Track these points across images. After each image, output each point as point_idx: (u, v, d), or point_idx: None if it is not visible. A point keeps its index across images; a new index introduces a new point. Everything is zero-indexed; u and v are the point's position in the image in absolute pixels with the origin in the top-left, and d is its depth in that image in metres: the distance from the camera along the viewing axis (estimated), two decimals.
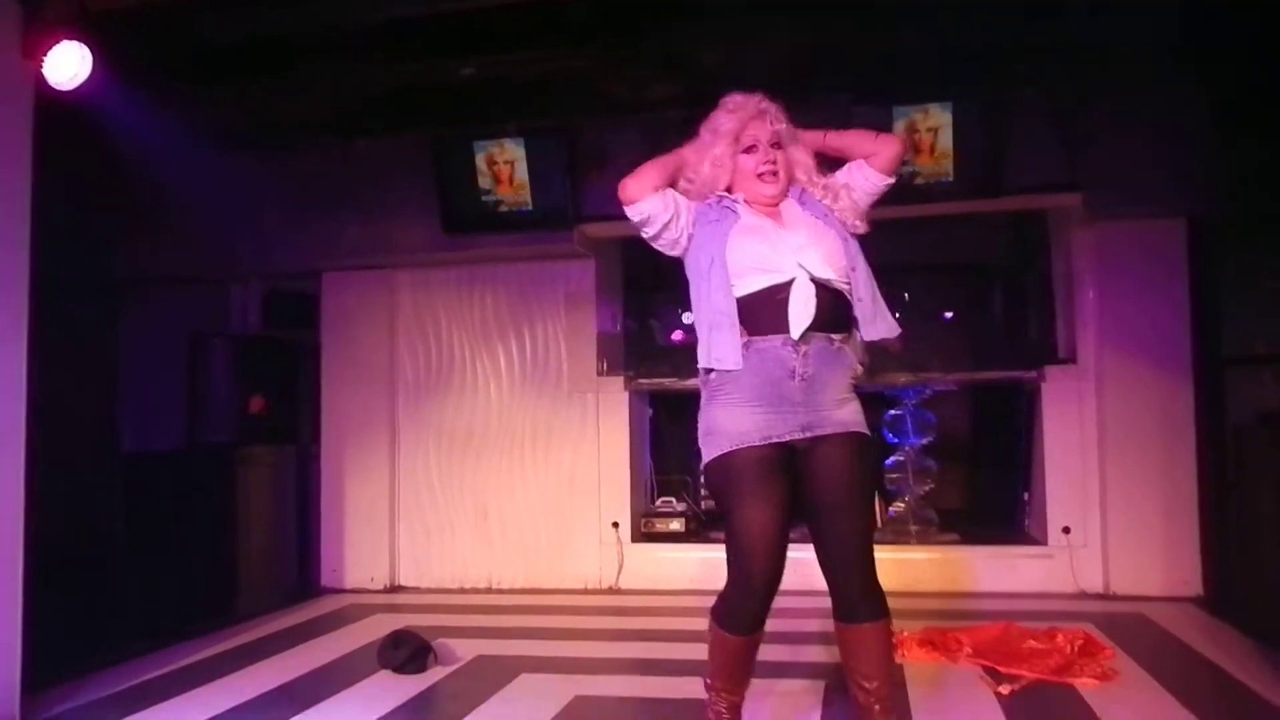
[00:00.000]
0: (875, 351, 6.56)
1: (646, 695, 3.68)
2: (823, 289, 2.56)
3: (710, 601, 4.65)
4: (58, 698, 3.71)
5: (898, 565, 5.58)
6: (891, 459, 6.16)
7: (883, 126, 2.94)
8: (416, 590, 6.00)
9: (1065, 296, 5.89)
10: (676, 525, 6.01)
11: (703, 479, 2.76)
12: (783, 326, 2.53)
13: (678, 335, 7.66)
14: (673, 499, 6.27)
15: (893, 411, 6.21)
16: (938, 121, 5.37)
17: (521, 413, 6.09)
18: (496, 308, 6.19)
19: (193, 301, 6.67)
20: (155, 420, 6.45)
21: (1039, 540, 5.69)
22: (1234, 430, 4.82)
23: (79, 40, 3.75)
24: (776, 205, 2.74)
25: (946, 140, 5.36)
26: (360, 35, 4.81)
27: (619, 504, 5.94)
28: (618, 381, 6.08)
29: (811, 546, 2.71)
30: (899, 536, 5.91)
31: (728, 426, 2.58)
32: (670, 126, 5.55)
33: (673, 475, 6.64)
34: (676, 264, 7.61)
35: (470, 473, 6.10)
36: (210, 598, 5.35)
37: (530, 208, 5.75)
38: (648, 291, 7.44)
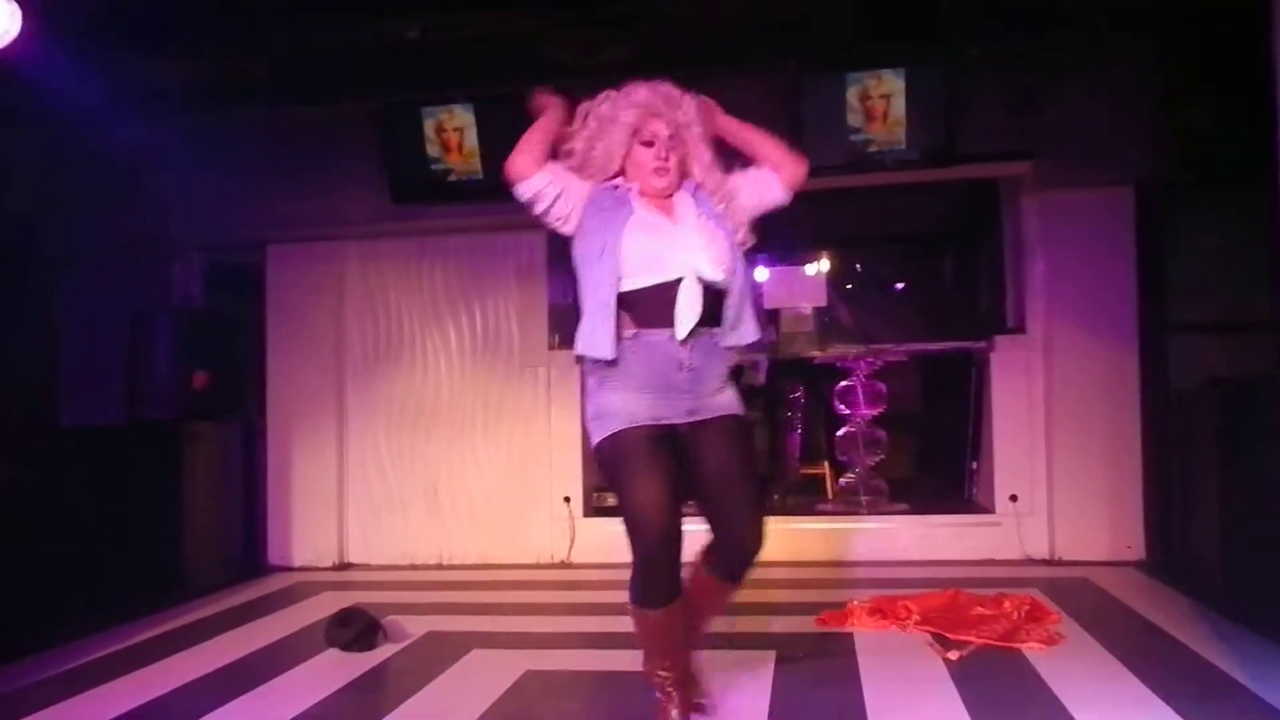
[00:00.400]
0: (827, 324, 6.50)
1: (598, 668, 3.66)
2: (707, 289, 2.68)
3: None
4: (2, 678, 3.62)
5: (848, 535, 5.65)
6: (842, 430, 6.19)
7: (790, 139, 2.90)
8: (366, 567, 5.94)
9: (1015, 266, 5.94)
10: None
11: (597, 460, 2.83)
12: (669, 322, 2.65)
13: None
14: None
15: (844, 383, 6.23)
16: (890, 88, 5.35)
17: (472, 387, 6.02)
18: (446, 280, 6.10)
19: (134, 274, 6.48)
20: (96, 396, 6.27)
21: (987, 509, 5.76)
22: (1176, 396, 4.89)
23: None
24: (669, 198, 2.80)
25: (899, 107, 5.35)
26: None
27: (571, 478, 5.90)
28: (570, 356, 6.01)
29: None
30: (850, 507, 5.97)
31: (619, 408, 2.68)
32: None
33: None
34: None
35: (421, 448, 6.03)
36: (155, 576, 5.23)
37: (481, 176, 5.64)
38: None
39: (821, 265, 7.03)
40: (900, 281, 8.50)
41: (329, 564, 5.92)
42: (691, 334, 2.66)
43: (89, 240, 6.30)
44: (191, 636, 4.29)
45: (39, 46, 3.86)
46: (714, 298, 2.71)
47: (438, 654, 3.91)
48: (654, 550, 2.68)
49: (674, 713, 2.83)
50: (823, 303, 6.26)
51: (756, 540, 2.83)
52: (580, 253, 2.82)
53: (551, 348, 5.99)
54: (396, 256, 6.16)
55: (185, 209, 6.07)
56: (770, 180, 2.87)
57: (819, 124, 5.40)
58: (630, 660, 3.68)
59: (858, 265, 8.33)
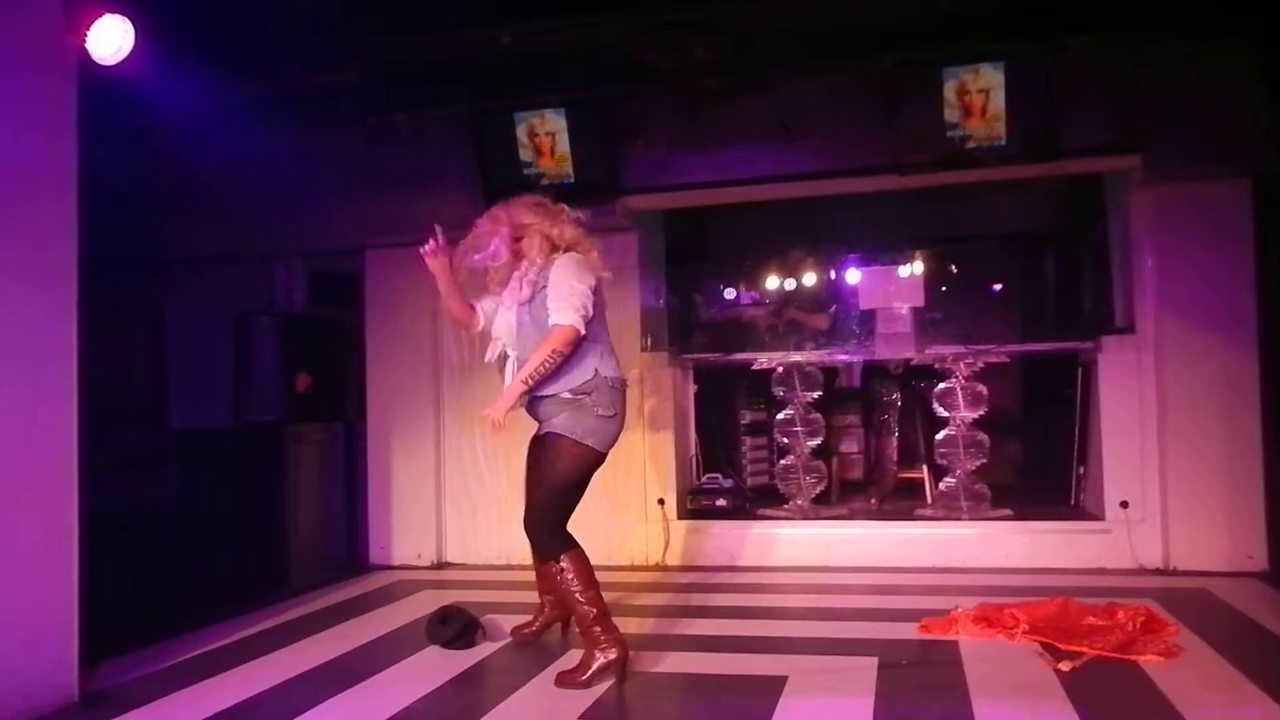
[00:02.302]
0: (925, 322, 6.28)
1: (696, 671, 3.63)
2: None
3: (757, 577, 4.63)
4: (113, 671, 3.75)
5: (949, 541, 5.51)
6: (942, 433, 6.04)
7: None
8: (463, 567, 6.00)
9: (1122, 264, 5.73)
10: (723, 501, 5.95)
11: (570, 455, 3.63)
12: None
13: (717, 309, 7.59)
14: (718, 475, 6.21)
15: (943, 384, 6.07)
16: (989, 82, 5.21)
17: None
18: None
19: (239, 280, 6.70)
20: (204, 398, 6.51)
21: (1096, 515, 5.55)
22: None
23: (121, 14, 3.73)
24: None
25: (999, 102, 5.21)
26: (395, 4, 4.76)
27: (664, 480, 5.89)
28: (662, 357, 6.02)
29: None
30: (950, 512, 5.81)
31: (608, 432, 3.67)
32: (707, 93, 5.57)
33: (718, 451, 6.58)
34: (720, 237, 7.45)
35: (516, 450, 6.01)
36: (261, 573, 5.39)
37: (572, 180, 5.68)
38: (690, 264, 7.37)
39: (917, 265, 6.88)
40: (998, 282, 8.26)
41: (428, 563, 6.01)
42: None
43: (196, 249, 6.53)
44: (296, 632, 4.38)
45: (151, 62, 3.97)
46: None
47: (536, 654, 3.94)
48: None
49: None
50: (920, 303, 6.12)
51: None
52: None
53: (643, 349, 5.98)
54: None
55: (287, 216, 6.24)
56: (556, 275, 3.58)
57: (915, 120, 5.30)
58: (728, 664, 3.66)
59: (953, 266, 8.12)
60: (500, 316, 3.75)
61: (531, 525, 3.71)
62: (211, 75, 4.96)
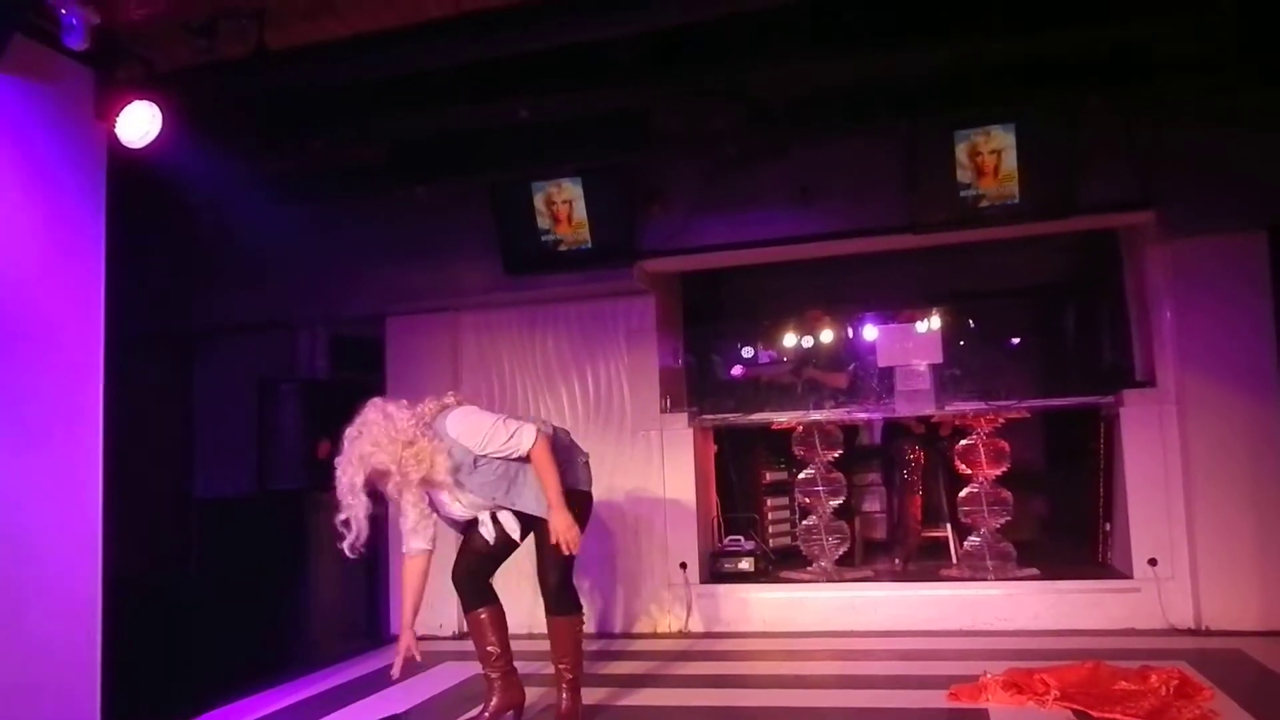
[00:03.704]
0: (944, 378, 6.22)
1: None
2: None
3: (783, 643, 4.56)
4: None
5: (975, 602, 5.43)
6: (965, 490, 5.99)
7: None
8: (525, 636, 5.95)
9: (1140, 317, 5.72)
10: (746, 565, 5.91)
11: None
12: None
13: (738, 370, 7.59)
14: (740, 537, 6.17)
15: (964, 441, 6.05)
16: (1000, 143, 5.28)
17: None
18: (559, 347, 6.19)
19: (261, 348, 6.78)
20: (228, 465, 6.55)
21: (1124, 573, 5.48)
22: None
23: (149, 100, 3.83)
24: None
25: (1010, 162, 5.28)
26: (414, 81, 4.86)
27: (686, 544, 5.85)
28: (681, 418, 6.02)
29: None
30: (976, 572, 5.74)
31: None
32: (724, 158, 5.64)
33: (740, 513, 6.54)
34: (737, 297, 7.42)
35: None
36: (283, 643, 5.37)
37: (589, 246, 5.75)
38: (708, 325, 7.40)
39: (934, 322, 6.89)
40: (1016, 336, 8.24)
41: (449, 633, 5.96)
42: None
43: (222, 319, 6.62)
44: (321, 707, 4.36)
45: (177, 141, 4.07)
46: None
47: None
48: None
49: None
50: (938, 359, 6.11)
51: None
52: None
53: (663, 411, 6.00)
54: (509, 325, 6.28)
55: (310, 285, 6.33)
56: None
57: (929, 181, 5.37)
58: None
59: (971, 321, 8.12)
60: (448, 508, 3.77)
61: (556, 579, 3.84)
62: (236, 153, 5.08)
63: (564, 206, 5.75)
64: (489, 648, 3.82)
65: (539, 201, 5.76)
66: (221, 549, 5.95)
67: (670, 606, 5.78)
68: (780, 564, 6.30)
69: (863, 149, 5.58)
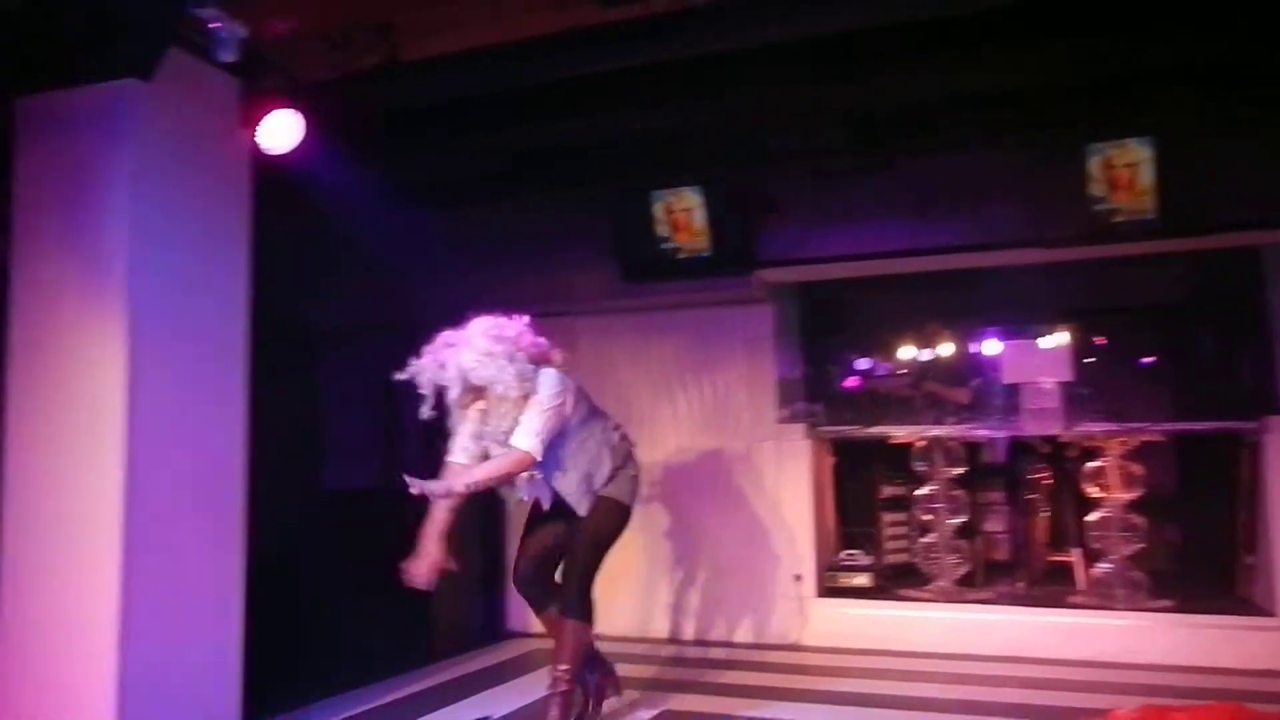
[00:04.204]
0: (1074, 397, 5.98)
1: None
2: None
3: (899, 663, 4.43)
4: None
5: (1101, 632, 5.23)
6: (1095, 514, 5.76)
7: None
8: (599, 638, 5.97)
9: None
10: (862, 580, 5.81)
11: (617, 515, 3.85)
12: None
13: (853, 381, 7.46)
14: (858, 551, 6.06)
15: (1094, 463, 5.82)
16: (1136, 157, 5.10)
17: (701, 461, 6.04)
18: (675, 354, 6.20)
19: (387, 348, 6.96)
20: (355, 460, 6.77)
21: (1267, 610, 5.18)
22: None
23: (290, 108, 3.99)
24: None
25: (1147, 176, 5.08)
26: (538, 92, 4.95)
27: (802, 556, 5.79)
28: (799, 429, 5.96)
29: None
30: (1104, 601, 5.51)
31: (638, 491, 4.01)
32: (842, 169, 5.57)
33: (857, 527, 6.43)
34: (854, 308, 7.29)
35: (651, 521, 6.08)
36: (404, 635, 5.50)
37: (708, 254, 5.75)
38: (826, 336, 7.30)
39: (1062, 338, 6.65)
40: (1149, 356, 7.89)
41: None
42: None
43: (349, 319, 6.85)
44: (440, 699, 4.46)
45: (312, 150, 4.22)
46: None
47: None
48: None
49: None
50: (1067, 377, 5.89)
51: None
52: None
53: (780, 421, 5.95)
54: (626, 332, 6.32)
55: (433, 288, 6.47)
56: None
57: (1059, 194, 5.20)
58: None
59: (1097, 338, 7.81)
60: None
61: (576, 584, 3.79)
62: (366, 161, 5.25)
63: (683, 215, 5.76)
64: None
65: (658, 210, 5.78)
66: (348, 539, 6.14)
67: (784, 618, 5.72)
68: (897, 581, 6.17)
69: (987, 160, 5.44)
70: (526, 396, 3.57)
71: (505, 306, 6.25)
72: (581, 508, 3.75)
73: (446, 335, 3.65)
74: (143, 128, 3.41)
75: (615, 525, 3.82)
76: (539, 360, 3.71)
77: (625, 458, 3.90)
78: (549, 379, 3.65)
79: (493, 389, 3.53)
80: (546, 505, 3.82)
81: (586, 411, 3.81)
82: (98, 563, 3.21)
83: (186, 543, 3.46)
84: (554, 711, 3.68)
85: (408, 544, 5.77)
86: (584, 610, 3.77)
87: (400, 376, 3.61)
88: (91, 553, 3.23)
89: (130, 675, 3.18)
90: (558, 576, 3.88)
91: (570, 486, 3.74)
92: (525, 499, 3.86)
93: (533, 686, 4.68)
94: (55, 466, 3.33)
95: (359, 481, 6.52)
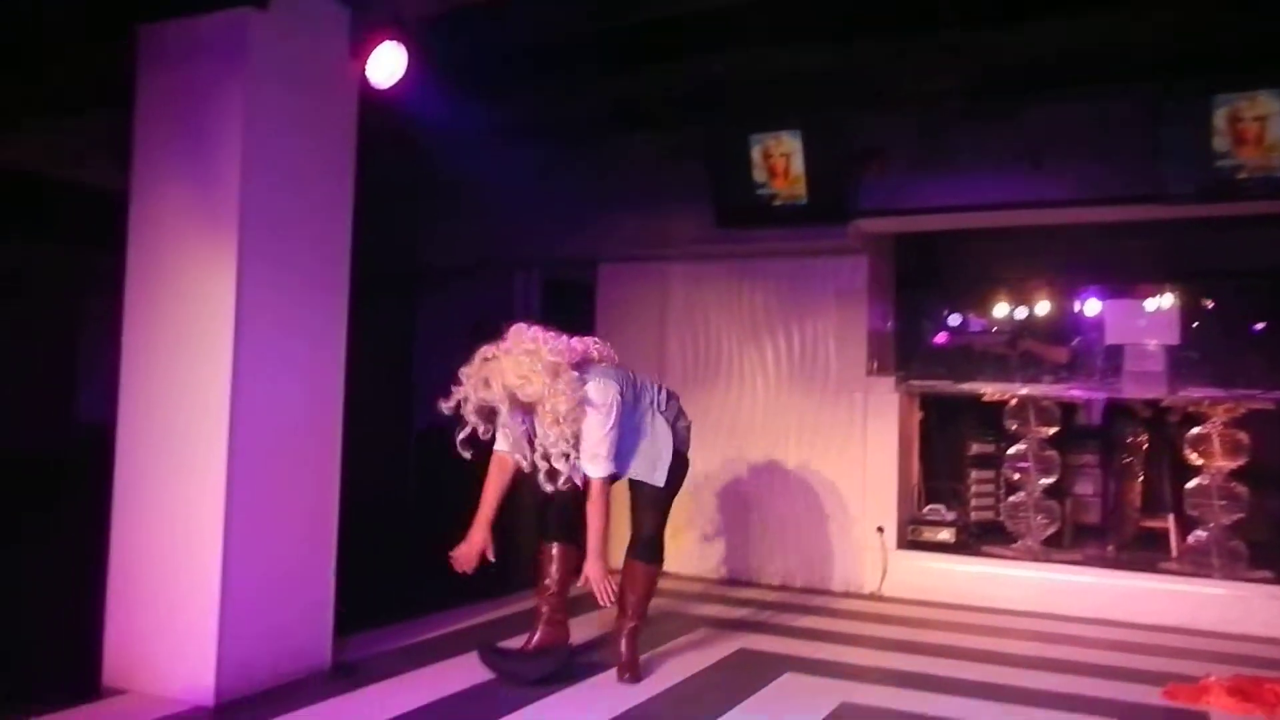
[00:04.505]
0: (1180, 361, 5.80)
1: (917, 710, 3.52)
2: None
3: (979, 618, 4.41)
4: (358, 644, 4.05)
5: (1195, 600, 5.09)
6: (1193, 481, 5.59)
7: None
8: (678, 577, 6.06)
9: None
10: (945, 535, 5.75)
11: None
12: None
13: (942, 338, 7.34)
14: (941, 506, 6.00)
15: (1197, 429, 5.63)
16: (1266, 109, 4.83)
17: (787, 409, 6.02)
18: (766, 302, 6.16)
19: (479, 289, 7.09)
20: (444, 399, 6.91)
21: None
22: None
23: (398, 41, 4.02)
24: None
25: (1277, 130, 4.81)
26: (642, 31, 4.91)
27: (885, 508, 5.75)
28: (888, 382, 5.89)
29: None
30: (1199, 568, 5.36)
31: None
32: (949, 116, 5.42)
33: (943, 482, 6.36)
34: (951, 261, 7.14)
35: (733, 466, 6.11)
36: (486, 567, 5.64)
37: (804, 201, 5.66)
38: (921, 289, 7.18)
39: (1169, 299, 6.41)
40: (1263, 320, 7.55)
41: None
42: None
43: (444, 258, 6.97)
44: (520, 626, 4.56)
45: (416, 86, 4.25)
46: None
47: (752, 672, 3.94)
48: None
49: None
50: (1174, 340, 5.68)
51: None
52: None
53: (869, 373, 5.88)
54: (718, 278, 6.30)
55: (528, 229, 6.54)
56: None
57: (1178, 148, 4.97)
58: (951, 707, 3.54)
59: (1209, 302, 7.50)
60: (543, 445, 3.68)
61: (652, 530, 3.94)
62: (468, 98, 5.30)
63: (781, 160, 5.68)
64: (547, 581, 3.94)
65: (756, 154, 5.71)
66: (435, 475, 6.31)
67: (865, 568, 5.71)
68: (981, 538, 6.09)
69: (1102, 111, 5.22)
70: (578, 404, 3.59)
71: (600, 247, 6.40)
72: (658, 480, 3.85)
73: (484, 350, 3.59)
74: (257, 56, 3.47)
75: (678, 476, 3.94)
76: (583, 364, 3.71)
77: (676, 415, 3.98)
78: (599, 388, 3.65)
79: (542, 405, 3.54)
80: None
81: (634, 394, 3.84)
82: (204, 483, 3.34)
83: (288, 466, 3.59)
84: (624, 643, 3.81)
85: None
86: (656, 554, 3.94)
87: (446, 407, 3.62)
88: (198, 473, 3.36)
89: (232, 587, 3.32)
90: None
91: (641, 470, 3.85)
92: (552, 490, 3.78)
93: (607, 620, 4.77)
94: (167, 388, 3.46)
95: (447, 420, 6.66)
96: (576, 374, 3.63)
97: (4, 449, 5.53)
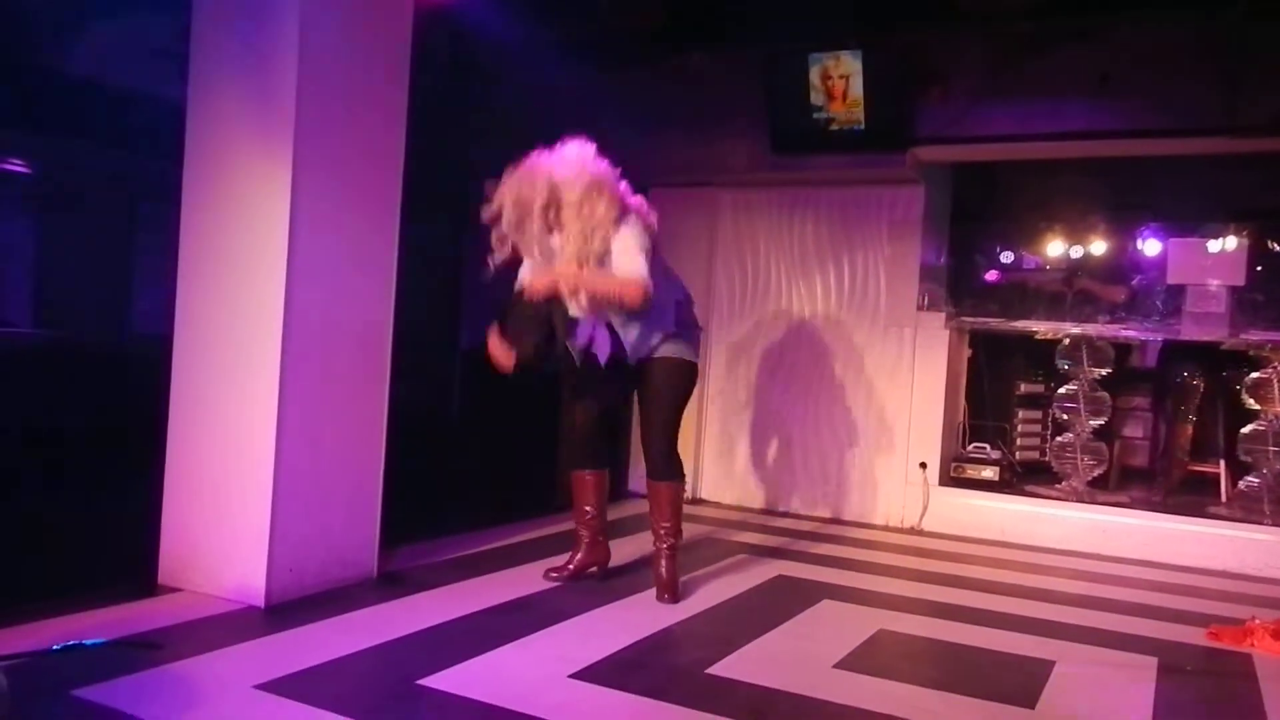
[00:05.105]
0: (1244, 303, 5.64)
1: (953, 639, 3.53)
2: None
3: (1021, 555, 4.37)
4: (405, 555, 4.13)
5: (1243, 545, 5.03)
6: (1249, 427, 5.47)
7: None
8: (718, 505, 6.12)
9: None
10: (989, 473, 5.70)
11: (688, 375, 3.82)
12: None
13: (993, 275, 7.19)
14: (986, 445, 5.94)
15: (1256, 374, 5.49)
16: None
17: (835, 342, 5.96)
18: (817, 232, 6.07)
19: None
20: (487, 321, 6.93)
21: None
22: None
23: None
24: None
25: None
26: None
27: (929, 444, 5.71)
28: (938, 318, 5.80)
29: None
30: (1248, 514, 5.28)
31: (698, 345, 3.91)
32: (1017, 40, 5.23)
33: (989, 420, 6.29)
34: (1009, 192, 6.93)
35: (778, 397, 6.09)
36: (530, 486, 5.73)
37: (862, 127, 5.53)
38: (977, 222, 7.02)
39: (1234, 239, 6.21)
40: None
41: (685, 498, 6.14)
42: None
43: (493, 176, 6.92)
44: (561, 545, 4.62)
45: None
46: None
47: (789, 597, 3.96)
48: None
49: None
50: (1239, 282, 5.51)
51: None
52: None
53: (920, 308, 5.80)
54: (769, 206, 6.21)
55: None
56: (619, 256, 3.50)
57: (1258, 74, 4.78)
58: (989, 638, 3.54)
59: (1274, 242, 7.26)
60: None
61: (664, 446, 3.79)
62: (520, 14, 5.21)
63: (840, 82, 5.53)
64: (586, 508, 3.97)
65: (814, 75, 5.56)
66: (479, 395, 6.36)
67: (906, 503, 5.70)
68: (1026, 478, 6.04)
69: (1175, 35, 5.02)
70: (605, 238, 3.45)
71: (650, 171, 6.30)
72: (639, 354, 3.69)
73: (537, 154, 3.56)
74: None
75: (686, 384, 3.82)
76: (623, 207, 3.57)
77: (689, 320, 3.86)
78: (634, 224, 3.54)
79: (577, 213, 3.43)
80: (604, 358, 3.66)
81: (660, 269, 3.67)
82: (257, 390, 3.38)
83: (339, 376, 3.62)
84: (663, 564, 3.81)
85: (532, 401, 5.99)
86: (675, 470, 3.84)
87: (486, 216, 3.54)
88: (251, 379, 3.40)
89: (283, 492, 3.39)
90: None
91: (632, 335, 3.67)
92: (580, 345, 3.69)
93: (646, 542, 4.81)
94: (222, 295, 3.49)
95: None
96: (618, 208, 3.52)
97: (64, 350, 5.65)
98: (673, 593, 3.80)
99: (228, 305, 3.50)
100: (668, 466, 3.81)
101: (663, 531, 3.82)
